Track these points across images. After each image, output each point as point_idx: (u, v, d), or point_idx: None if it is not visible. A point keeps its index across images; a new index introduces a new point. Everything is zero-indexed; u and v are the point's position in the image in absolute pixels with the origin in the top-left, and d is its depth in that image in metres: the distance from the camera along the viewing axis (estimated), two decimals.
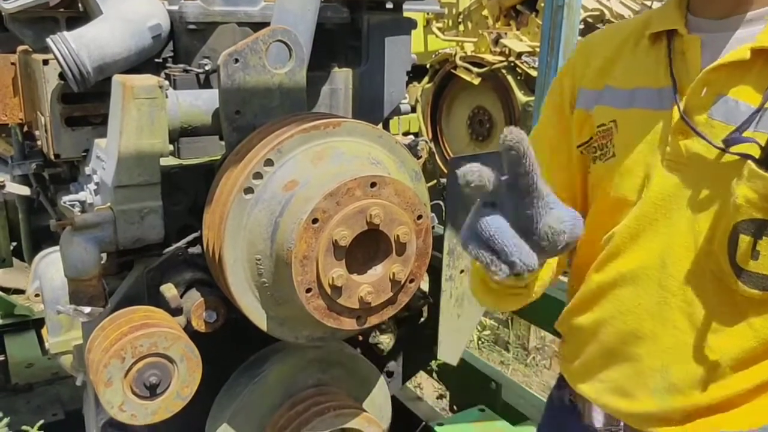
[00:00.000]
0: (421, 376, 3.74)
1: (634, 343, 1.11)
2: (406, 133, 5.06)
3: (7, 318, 3.56)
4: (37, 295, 1.90)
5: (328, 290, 1.39)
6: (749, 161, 0.94)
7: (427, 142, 2.03)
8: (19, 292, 3.87)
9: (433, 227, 2.10)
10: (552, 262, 1.19)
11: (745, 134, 0.96)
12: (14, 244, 2.98)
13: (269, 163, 1.45)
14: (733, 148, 0.97)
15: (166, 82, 1.56)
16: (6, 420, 2.34)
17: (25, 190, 2.34)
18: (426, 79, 5.94)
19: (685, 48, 1.06)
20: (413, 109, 5.78)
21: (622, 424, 1.17)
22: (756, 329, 1.01)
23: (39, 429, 2.30)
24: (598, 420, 1.21)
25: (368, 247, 1.46)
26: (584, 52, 1.23)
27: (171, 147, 1.64)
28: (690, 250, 1.03)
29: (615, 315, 1.13)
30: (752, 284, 0.98)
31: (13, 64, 2.12)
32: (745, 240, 0.96)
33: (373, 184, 1.39)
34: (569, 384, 1.26)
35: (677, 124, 1.03)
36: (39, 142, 2.03)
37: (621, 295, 1.12)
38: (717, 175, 1.00)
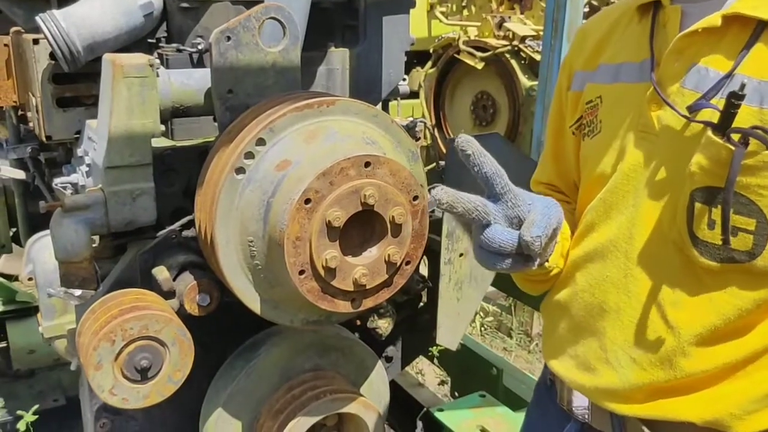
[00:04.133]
0: (423, 363, 3.73)
1: (599, 316, 1.09)
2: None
3: (9, 304, 3.54)
4: (30, 279, 1.88)
5: (322, 272, 1.36)
6: (709, 128, 0.93)
7: (425, 123, 2.00)
8: None
9: (432, 211, 2.07)
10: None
11: (712, 101, 0.94)
12: (14, 229, 2.97)
13: (261, 142, 1.41)
14: (698, 116, 0.95)
15: (157, 61, 1.53)
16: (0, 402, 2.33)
17: (20, 174, 2.32)
18: (429, 64, 5.89)
19: (666, 18, 1.05)
20: (416, 95, 5.72)
21: (589, 403, 1.16)
22: (716, 304, 0.99)
23: (34, 414, 2.29)
24: (572, 401, 1.19)
25: (363, 228, 1.43)
26: (581, 36, 1.25)
27: (163, 127, 1.61)
28: (655, 222, 1.02)
29: (585, 288, 1.12)
30: (709, 255, 0.96)
31: (6, 45, 2.09)
32: (699, 208, 0.95)
33: (367, 164, 1.36)
34: (546, 362, 1.26)
35: (650, 95, 1.02)
36: (31, 124, 2.00)
37: (591, 269, 1.11)
38: (684, 145, 0.98)
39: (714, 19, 0.96)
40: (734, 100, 0.89)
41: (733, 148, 0.89)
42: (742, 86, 0.88)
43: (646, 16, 1.09)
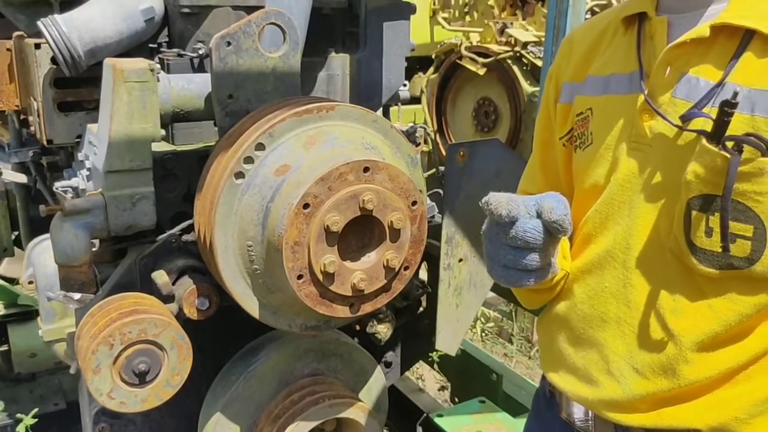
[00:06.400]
0: (423, 368, 3.72)
1: (599, 327, 1.09)
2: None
3: (11, 308, 3.54)
4: (30, 283, 1.88)
5: (320, 277, 1.36)
6: (702, 137, 0.93)
7: (426, 129, 2.00)
8: None
9: (433, 216, 2.07)
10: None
11: (704, 110, 0.95)
12: (16, 233, 2.98)
13: (260, 147, 1.42)
14: (690, 125, 0.96)
15: (157, 65, 1.54)
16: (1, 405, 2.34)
17: (21, 178, 2.33)
18: (431, 69, 5.88)
19: (652, 30, 1.05)
20: (418, 100, 5.72)
21: (591, 415, 1.15)
22: (716, 311, 0.99)
23: (34, 417, 2.29)
24: (573, 412, 1.18)
25: (362, 233, 1.43)
26: (567, 47, 1.25)
27: (163, 132, 1.62)
28: (652, 231, 1.03)
29: (583, 300, 1.12)
30: (708, 262, 0.97)
31: (8, 50, 2.10)
32: (696, 216, 0.96)
33: (366, 169, 1.36)
34: (544, 375, 1.25)
35: (642, 105, 1.03)
36: (33, 128, 2.01)
37: (589, 280, 1.11)
38: (677, 154, 0.99)
39: (702, 29, 0.97)
40: (727, 108, 0.89)
41: (728, 155, 0.90)
42: (735, 94, 0.88)
43: (631, 28, 1.10)
